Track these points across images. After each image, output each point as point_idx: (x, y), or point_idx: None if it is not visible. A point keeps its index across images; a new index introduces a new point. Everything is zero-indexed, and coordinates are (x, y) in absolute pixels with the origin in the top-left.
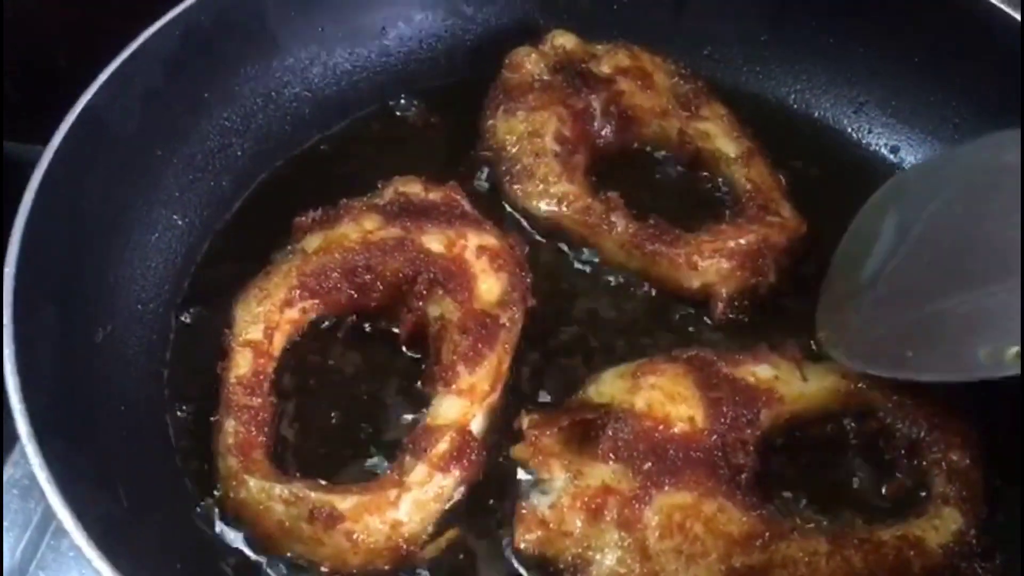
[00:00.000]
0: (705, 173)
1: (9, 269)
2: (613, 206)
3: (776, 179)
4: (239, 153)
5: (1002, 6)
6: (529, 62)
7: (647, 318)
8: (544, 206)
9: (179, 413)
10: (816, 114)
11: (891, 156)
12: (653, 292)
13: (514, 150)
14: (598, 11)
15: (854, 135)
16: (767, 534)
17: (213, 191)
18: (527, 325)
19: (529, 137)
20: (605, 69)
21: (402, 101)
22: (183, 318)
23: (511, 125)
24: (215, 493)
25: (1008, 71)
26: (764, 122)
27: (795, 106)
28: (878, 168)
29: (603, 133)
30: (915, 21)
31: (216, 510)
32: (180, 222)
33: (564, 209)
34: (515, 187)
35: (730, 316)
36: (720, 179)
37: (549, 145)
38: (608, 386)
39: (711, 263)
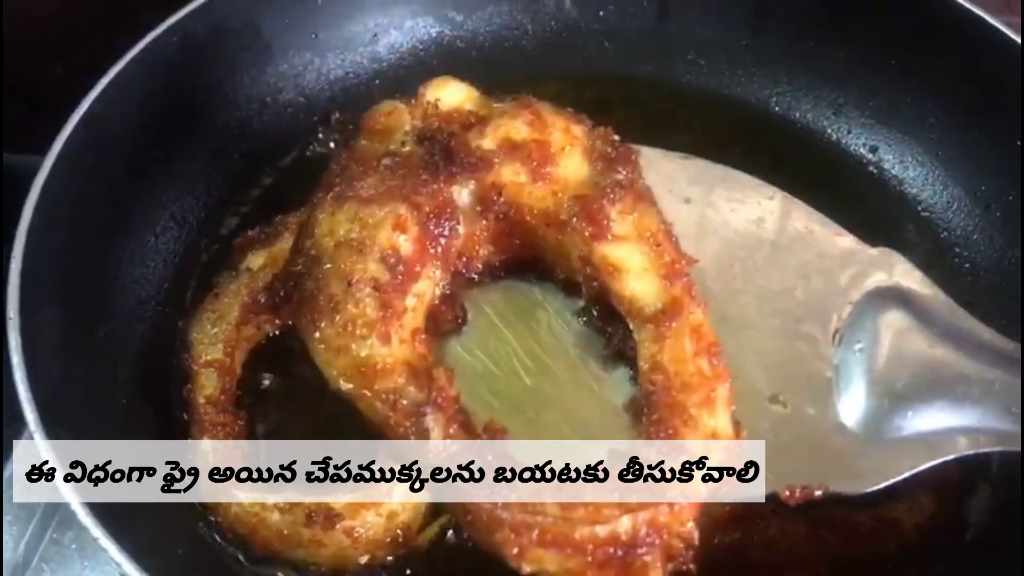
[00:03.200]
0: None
1: (15, 267)
2: (438, 400)
3: (707, 363)
4: (236, 157)
5: (973, 8)
6: (391, 124)
7: None
8: (337, 370)
9: (177, 407)
10: (797, 116)
11: (870, 155)
12: None
13: (328, 267)
14: (583, 17)
15: (834, 136)
16: (747, 515)
17: (211, 194)
18: None
19: (347, 248)
20: (487, 143)
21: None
22: (183, 317)
23: (333, 224)
24: (208, 516)
25: (979, 71)
26: (746, 125)
27: (777, 109)
28: (858, 168)
29: (473, 247)
30: (890, 25)
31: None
32: (179, 224)
33: (360, 386)
34: (311, 327)
35: None
36: (630, 346)
37: (371, 267)
38: None
39: (543, 554)
